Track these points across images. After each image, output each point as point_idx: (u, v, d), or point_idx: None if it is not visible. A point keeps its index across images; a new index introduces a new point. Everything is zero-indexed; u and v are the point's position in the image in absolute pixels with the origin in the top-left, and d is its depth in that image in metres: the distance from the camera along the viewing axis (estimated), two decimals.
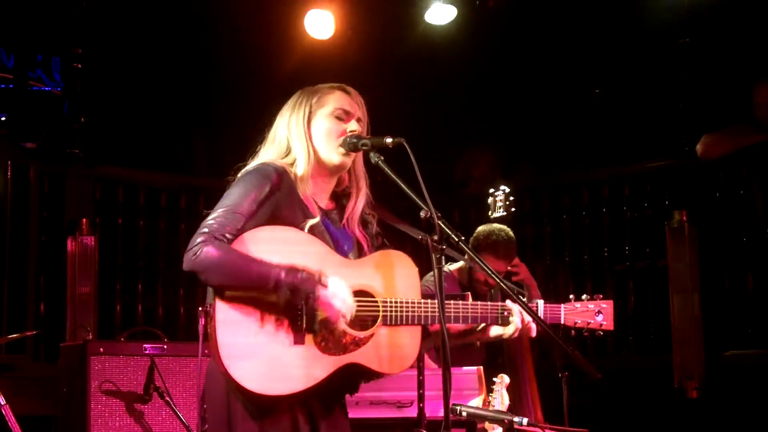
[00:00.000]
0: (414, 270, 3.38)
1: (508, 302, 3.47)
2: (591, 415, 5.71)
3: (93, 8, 7.68)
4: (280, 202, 3.25)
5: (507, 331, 3.49)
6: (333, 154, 3.37)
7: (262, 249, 3.15)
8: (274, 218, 3.24)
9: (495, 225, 5.16)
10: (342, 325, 3.19)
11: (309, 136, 3.37)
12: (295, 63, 8.07)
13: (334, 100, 3.41)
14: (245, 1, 8.06)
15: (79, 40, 7.73)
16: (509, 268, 5.16)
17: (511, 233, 5.13)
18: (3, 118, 8.39)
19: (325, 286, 3.12)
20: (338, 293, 3.15)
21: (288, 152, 3.37)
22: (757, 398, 6.81)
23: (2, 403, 4.86)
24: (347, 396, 3.41)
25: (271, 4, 8.02)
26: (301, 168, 3.32)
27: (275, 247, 3.17)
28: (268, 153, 3.40)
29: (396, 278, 3.33)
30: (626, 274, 7.73)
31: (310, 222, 3.28)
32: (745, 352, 7.06)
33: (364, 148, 3.33)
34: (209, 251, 3.09)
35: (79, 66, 7.70)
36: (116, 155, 8.08)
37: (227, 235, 3.13)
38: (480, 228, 5.22)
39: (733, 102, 7.44)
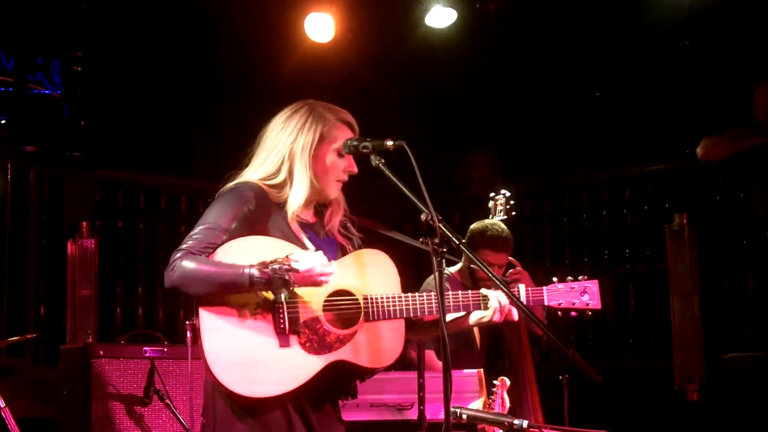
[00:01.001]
0: (391, 266, 3.43)
1: (483, 290, 3.49)
2: (591, 418, 5.70)
3: (92, 11, 7.68)
4: (256, 220, 3.31)
5: (487, 314, 3.51)
6: (332, 189, 3.44)
7: (239, 258, 3.20)
8: (251, 234, 3.28)
9: (486, 221, 5.18)
10: (324, 323, 3.22)
11: (312, 166, 3.38)
12: (295, 66, 8.07)
13: (342, 135, 3.41)
14: (245, 5, 8.06)
15: (79, 43, 7.73)
16: (509, 278, 5.16)
17: (505, 227, 5.14)
18: (3, 121, 8.39)
19: (296, 270, 3.16)
20: (312, 266, 3.18)
21: (277, 173, 3.38)
22: (757, 401, 6.81)
23: (2, 406, 4.86)
24: (347, 399, 3.42)
25: (271, 7, 8.03)
26: (297, 199, 3.36)
27: (252, 255, 3.21)
28: (256, 170, 3.41)
29: (374, 275, 3.38)
30: (626, 276, 7.72)
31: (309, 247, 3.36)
32: (745, 354, 7.05)
33: (365, 150, 3.34)
34: (183, 264, 3.16)
35: (79, 69, 7.70)
36: (116, 158, 8.08)
37: (205, 250, 3.21)
38: (473, 226, 5.22)
39: (732, 105, 7.44)
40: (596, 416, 6.40)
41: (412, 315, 3.37)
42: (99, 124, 7.91)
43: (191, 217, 7.77)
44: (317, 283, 3.22)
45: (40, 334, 6.96)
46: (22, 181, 7.28)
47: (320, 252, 3.25)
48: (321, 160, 3.39)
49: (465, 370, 4.65)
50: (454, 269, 5.32)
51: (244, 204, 3.29)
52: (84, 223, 7.20)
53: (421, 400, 4.06)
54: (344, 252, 3.49)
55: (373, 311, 3.33)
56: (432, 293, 3.43)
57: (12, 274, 7.12)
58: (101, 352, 5.44)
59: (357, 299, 3.33)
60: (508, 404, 4.52)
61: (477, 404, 4.46)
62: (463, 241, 3.23)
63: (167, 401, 5.29)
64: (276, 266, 3.15)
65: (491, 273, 3.29)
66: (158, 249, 7.92)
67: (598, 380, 3.32)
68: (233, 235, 3.25)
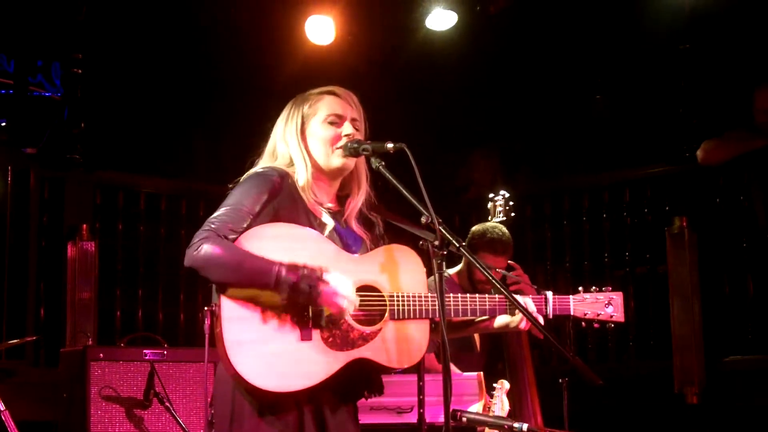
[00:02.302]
0: (419, 264, 3.40)
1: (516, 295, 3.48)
2: (591, 421, 5.71)
3: (93, 13, 7.68)
4: (281, 204, 3.28)
5: (515, 319, 3.50)
6: (333, 159, 3.39)
7: (268, 246, 3.16)
8: (276, 220, 3.25)
9: (488, 224, 5.19)
10: (348, 318, 3.21)
11: (305, 146, 3.39)
12: (295, 69, 8.06)
13: (324, 106, 3.42)
14: (246, 7, 8.06)
15: (79, 45, 7.73)
16: (508, 281, 5.16)
17: (505, 230, 5.14)
18: (3, 124, 8.38)
19: (326, 282, 3.13)
20: (339, 289, 3.15)
21: (291, 163, 3.39)
22: (757, 404, 6.80)
23: (2, 409, 4.85)
24: (373, 395, 3.40)
25: (271, 10, 8.02)
26: (302, 178, 3.34)
27: (281, 244, 3.18)
28: (269, 163, 3.40)
29: (402, 273, 3.35)
30: (626, 279, 7.72)
31: (328, 228, 3.33)
32: (745, 357, 7.05)
33: (365, 153, 3.34)
34: (209, 248, 3.10)
35: (79, 71, 7.70)
36: (116, 160, 8.07)
37: (230, 233, 3.15)
38: (474, 228, 5.23)
39: (733, 108, 7.43)
40: (596, 419, 6.41)
41: (438, 316, 3.33)
42: (99, 126, 7.91)
43: (192, 219, 7.80)
44: (338, 307, 3.15)
45: (40, 337, 6.93)
46: (23, 184, 7.28)
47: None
48: (312, 134, 3.39)
49: (465, 373, 4.65)
50: (452, 271, 5.32)
51: (270, 187, 3.26)
52: (84, 225, 7.20)
53: (421, 403, 4.05)
54: (364, 243, 3.45)
55: (399, 310, 3.29)
56: (459, 295, 3.44)
57: (12, 277, 7.11)
58: (101, 354, 5.44)
59: (383, 296, 3.30)
60: (507, 407, 4.51)
61: (477, 407, 4.46)
62: (463, 243, 3.22)
63: (167, 404, 5.28)
64: (307, 272, 3.11)
65: (491, 276, 3.29)
66: (158, 252, 7.92)
67: (599, 383, 3.31)
68: (258, 218, 3.20)
